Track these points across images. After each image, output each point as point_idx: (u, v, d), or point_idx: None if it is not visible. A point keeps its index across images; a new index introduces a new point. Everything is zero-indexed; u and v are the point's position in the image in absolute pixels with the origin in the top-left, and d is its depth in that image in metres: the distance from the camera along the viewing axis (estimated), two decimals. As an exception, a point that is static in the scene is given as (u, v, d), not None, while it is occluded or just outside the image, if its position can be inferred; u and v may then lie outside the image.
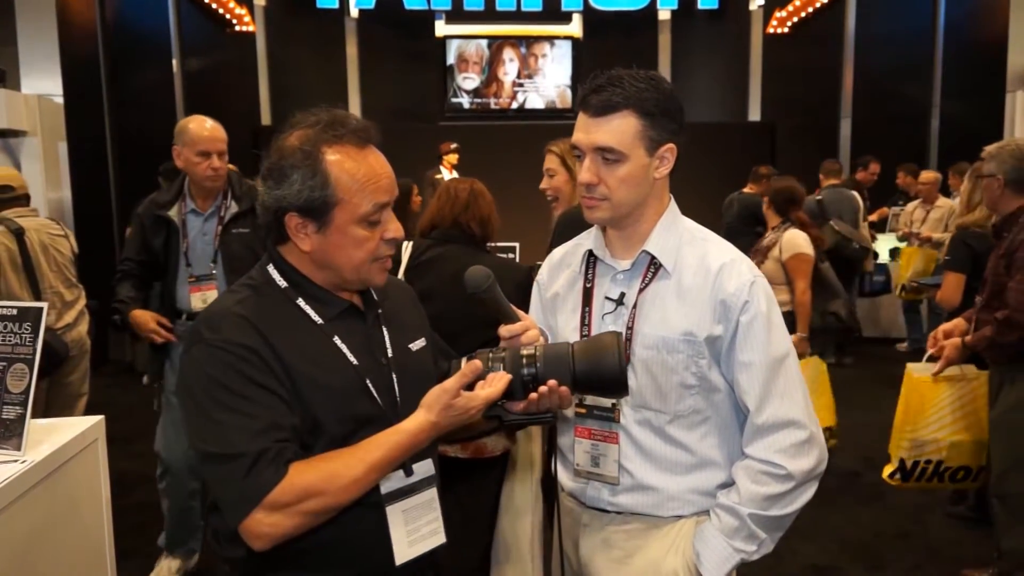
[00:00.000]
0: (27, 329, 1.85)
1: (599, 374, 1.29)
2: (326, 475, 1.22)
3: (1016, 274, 2.64)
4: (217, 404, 1.21)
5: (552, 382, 1.29)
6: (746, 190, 6.83)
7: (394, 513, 1.32)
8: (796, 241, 3.94)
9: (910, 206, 6.66)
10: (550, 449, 2.55)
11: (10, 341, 1.85)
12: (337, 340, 1.32)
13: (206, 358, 1.23)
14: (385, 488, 1.32)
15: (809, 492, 1.49)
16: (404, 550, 1.33)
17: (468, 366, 1.28)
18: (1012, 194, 2.86)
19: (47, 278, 3.42)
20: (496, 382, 1.27)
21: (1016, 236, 2.72)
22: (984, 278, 2.97)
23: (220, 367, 1.22)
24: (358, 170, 1.27)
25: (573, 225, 2.53)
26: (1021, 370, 2.68)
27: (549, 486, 2.64)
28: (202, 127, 3.02)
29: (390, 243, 1.33)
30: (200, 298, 3.07)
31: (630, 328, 1.50)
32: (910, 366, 2.96)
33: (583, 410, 1.55)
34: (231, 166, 3.16)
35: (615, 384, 1.30)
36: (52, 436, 1.94)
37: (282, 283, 1.33)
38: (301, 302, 1.32)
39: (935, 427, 2.84)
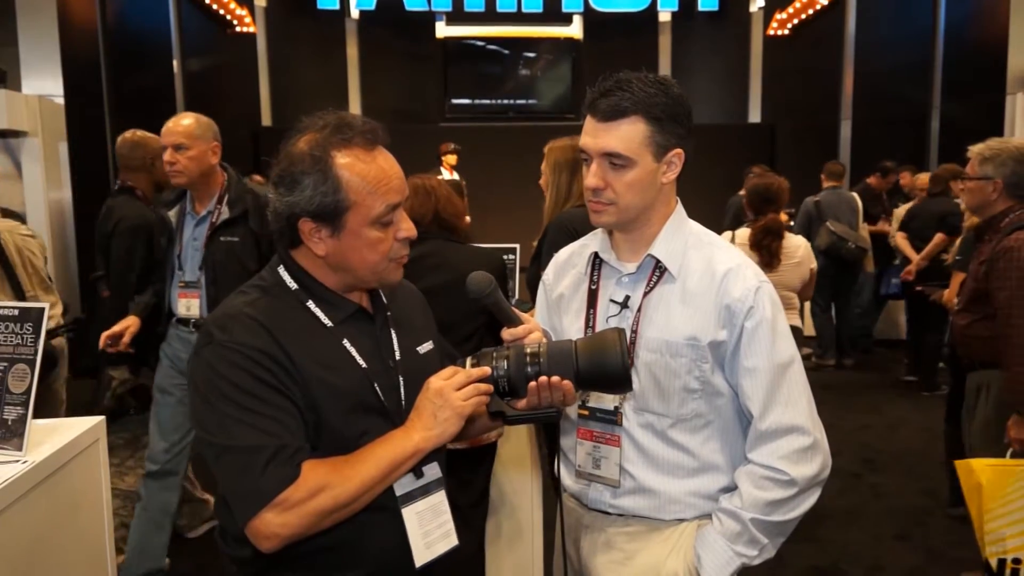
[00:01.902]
0: (28, 329, 1.85)
1: (602, 370, 1.30)
2: (334, 469, 1.23)
3: (995, 281, 2.59)
4: (231, 403, 1.21)
5: (555, 377, 1.29)
6: (742, 192, 6.85)
7: (410, 515, 1.34)
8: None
9: (900, 211, 6.63)
10: (551, 450, 2.57)
11: (12, 342, 1.85)
12: (346, 343, 1.33)
13: (218, 359, 1.24)
14: (399, 491, 1.33)
15: (812, 498, 1.48)
16: (422, 552, 1.34)
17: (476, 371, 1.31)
18: (1007, 198, 2.78)
19: (26, 282, 3.24)
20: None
21: (1000, 243, 2.65)
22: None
23: (232, 368, 1.23)
24: (368, 172, 1.28)
25: (564, 231, 2.54)
26: (995, 379, 2.62)
27: (548, 483, 2.65)
28: (169, 121, 2.92)
29: (404, 242, 1.34)
30: (185, 304, 2.99)
31: (634, 331, 1.50)
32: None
33: (585, 412, 1.55)
34: (232, 170, 3.06)
35: (618, 380, 1.31)
36: (53, 437, 1.94)
37: (292, 285, 1.34)
38: (311, 304, 1.33)
39: (1014, 517, 2.43)
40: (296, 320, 1.30)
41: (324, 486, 1.21)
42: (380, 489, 1.27)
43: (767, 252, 3.67)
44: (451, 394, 1.27)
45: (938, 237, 5.57)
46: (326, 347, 1.31)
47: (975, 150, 2.86)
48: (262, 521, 1.19)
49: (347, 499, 1.23)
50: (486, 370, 1.30)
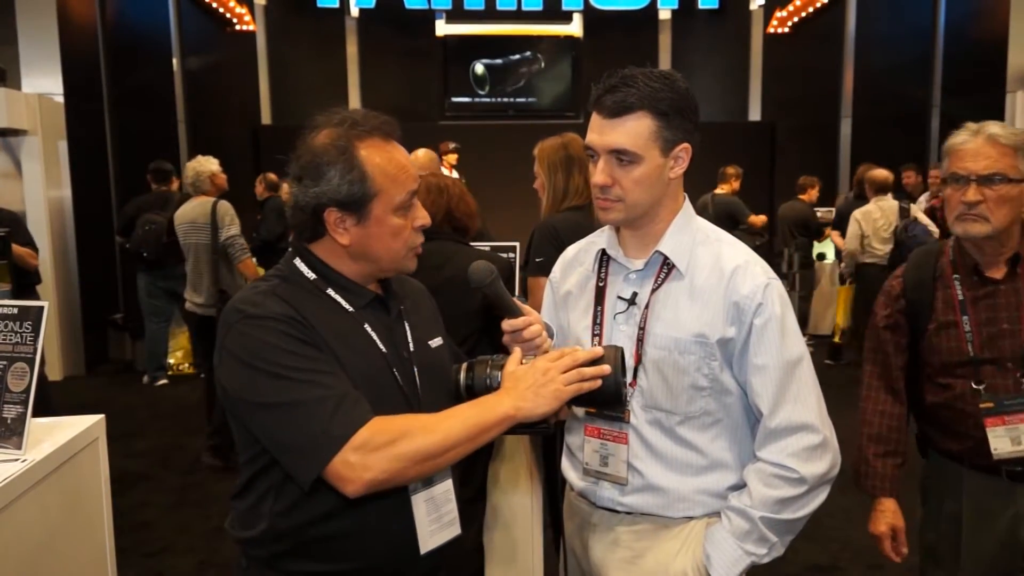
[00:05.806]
0: (28, 328, 1.85)
1: (597, 389, 1.30)
2: (417, 419, 1.24)
3: None
4: (281, 365, 1.22)
5: None
6: (718, 191, 6.93)
7: (418, 503, 1.35)
8: None
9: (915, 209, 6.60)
10: (548, 448, 2.57)
11: (11, 340, 1.85)
12: (367, 327, 1.36)
13: (257, 329, 1.25)
14: None
15: (821, 496, 1.48)
16: (427, 539, 1.36)
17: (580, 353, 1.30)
18: None
19: None
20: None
21: None
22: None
23: (275, 334, 1.24)
24: (389, 162, 1.33)
25: (548, 235, 2.54)
26: None
27: (547, 477, 2.65)
28: None
29: (419, 231, 1.38)
30: None
31: (642, 328, 1.49)
32: None
33: (592, 409, 1.54)
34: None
35: (612, 399, 1.32)
36: (53, 435, 1.93)
37: (311, 275, 1.36)
38: (331, 292, 1.36)
39: None
40: (319, 305, 1.33)
41: (407, 432, 1.20)
42: (464, 450, 1.24)
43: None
44: (557, 375, 1.27)
45: None
46: (349, 330, 1.33)
47: (1002, 138, 1.89)
48: (344, 463, 1.18)
49: (430, 450, 1.21)
50: (598, 351, 1.30)
